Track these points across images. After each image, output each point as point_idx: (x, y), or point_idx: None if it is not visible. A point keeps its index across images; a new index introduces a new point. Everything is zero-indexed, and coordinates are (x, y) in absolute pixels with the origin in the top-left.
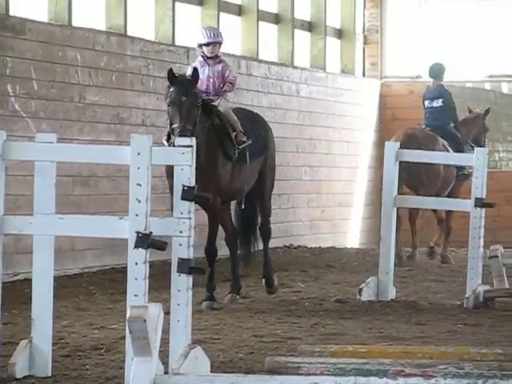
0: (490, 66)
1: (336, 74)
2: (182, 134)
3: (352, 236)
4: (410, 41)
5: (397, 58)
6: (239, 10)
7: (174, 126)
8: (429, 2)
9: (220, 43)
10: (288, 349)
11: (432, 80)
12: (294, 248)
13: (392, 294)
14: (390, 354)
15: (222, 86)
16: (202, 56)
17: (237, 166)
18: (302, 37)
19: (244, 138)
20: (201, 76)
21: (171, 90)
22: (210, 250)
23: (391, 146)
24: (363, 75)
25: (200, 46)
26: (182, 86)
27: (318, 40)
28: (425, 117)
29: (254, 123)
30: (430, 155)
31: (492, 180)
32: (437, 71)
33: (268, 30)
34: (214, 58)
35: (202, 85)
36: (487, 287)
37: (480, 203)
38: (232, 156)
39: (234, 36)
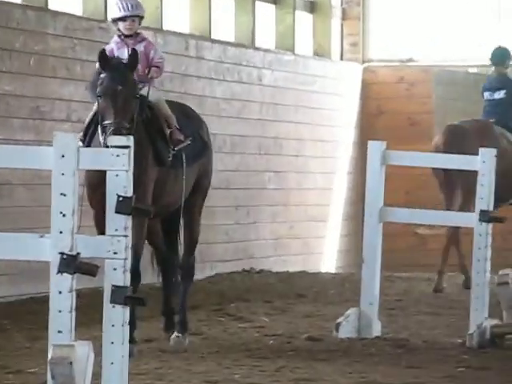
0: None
1: (307, 56)
2: (118, 133)
3: (327, 258)
4: (400, 15)
5: (383, 36)
6: None
7: (107, 122)
8: None
9: (140, 17)
10: None
11: (493, 67)
12: (256, 272)
13: (377, 329)
14: None
15: (147, 70)
16: (119, 35)
17: (171, 171)
18: (265, 10)
19: (181, 137)
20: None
21: (103, 76)
22: (135, 271)
23: (376, 146)
24: (341, 58)
25: (115, 21)
26: (118, 71)
27: (286, 14)
28: (484, 111)
29: (188, 119)
30: (426, 158)
31: None
32: (499, 56)
33: (223, 2)
34: (133, 36)
35: None
36: (495, 321)
37: (486, 217)
38: (166, 159)
39: (179, 10)
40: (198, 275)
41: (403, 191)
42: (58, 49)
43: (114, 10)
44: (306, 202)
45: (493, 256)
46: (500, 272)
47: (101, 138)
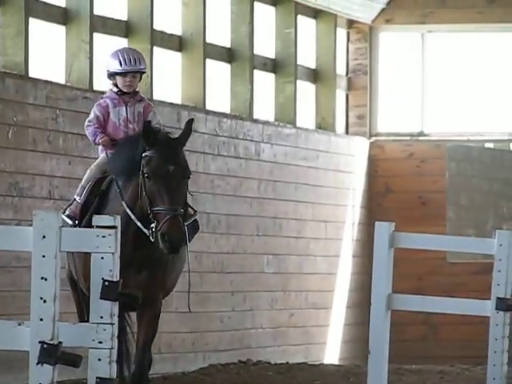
0: None
1: (310, 130)
2: (175, 221)
3: (331, 349)
4: (410, 86)
5: (392, 108)
6: (179, 44)
7: (160, 208)
8: (435, 35)
9: (142, 73)
10: None
11: None
12: (253, 364)
13: None
14: None
15: None
16: (117, 91)
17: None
18: (265, 80)
19: (191, 210)
20: (112, 118)
21: (150, 153)
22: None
23: (384, 227)
24: (346, 132)
25: (112, 75)
26: (169, 148)
27: (286, 84)
28: None
29: None
30: (438, 241)
31: None
32: None
33: (219, 71)
34: (132, 94)
35: (115, 131)
36: None
37: (503, 305)
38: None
39: (172, 78)
40: (190, 366)
41: (415, 277)
42: (38, 120)
43: (111, 62)
44: (307, 287)
45: (510, 347)
46: None
47: (147, 228)
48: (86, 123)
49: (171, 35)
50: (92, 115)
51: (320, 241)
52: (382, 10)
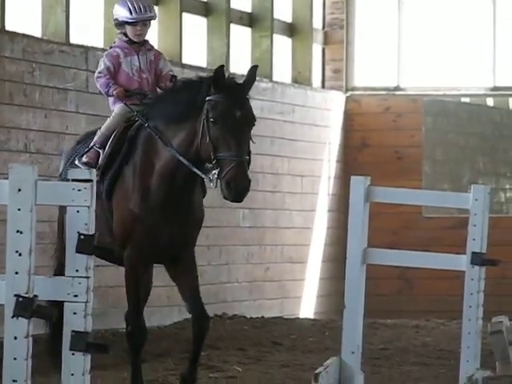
0: (492, 76)
1: (286, 84)
2: (242, 168)
3: (306, 303)
4: (387, 41)
5: (368, 63)
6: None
7: (225, 154)
8: None
9: (152, 20)
10: None
11: None
12: (229, 318)
13: (359, 381)
14: None
15: (157, 84)
16: (126, 40)
17: None
18: (241, 34)
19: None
20: (124, 68)
21: (216, 97)
22: (137, 323)
23: (359, 182)
24: (322, 86)
25: (120, 24)
26: (236, 93)
27: (262, 38)
28: None
29: None
30: (414, 195)
31: (496, 229)
32: None
33: (195, 25)
34: (142, 43)
35: (129, 82)
36: (488, 373)
37: (479, 260)
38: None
39: (149, 32)
40: (166, 320)
41: (390, 231)
42: (15, 73)
43: (120, 11)
44: (282, 241)
45: (485, 302)
46: (493, 319)
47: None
48: (96, 74)
49: None
50: (102, 66)
51: (296, 195)
52: None
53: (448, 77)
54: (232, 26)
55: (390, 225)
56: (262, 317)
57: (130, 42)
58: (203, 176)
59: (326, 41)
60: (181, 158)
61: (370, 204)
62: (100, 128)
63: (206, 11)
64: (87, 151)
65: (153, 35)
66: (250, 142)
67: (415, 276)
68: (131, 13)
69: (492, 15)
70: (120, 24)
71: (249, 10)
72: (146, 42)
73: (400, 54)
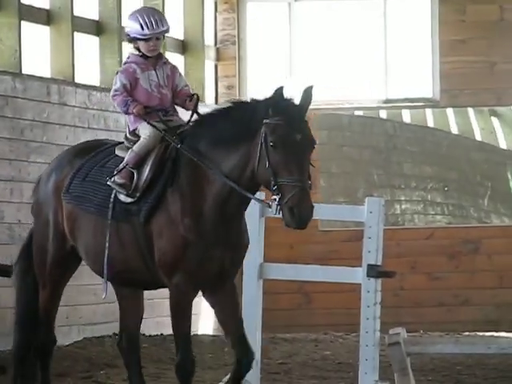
0: (385, 89)
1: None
2: (305, 194)
3: (205, 319)
4: (280, 55)
5: (261, 78)
6: (47, 18)
7: (287, 180)
8: (301, 4)
9: (166, 33)
10: None
11: None
12: None
13: None
14: None
15: (173, 101)
16: (141, 55)
17: None
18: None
19: None
20: (142, 84)
21: (275, 120)
22: (189, 354)
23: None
24: (216, 102)
25: (134, 39)
26: (294, 116)
27: None
28: None
29: None
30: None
31: (392, 241)
32: None
33: (87, 44)
34: (156, 57)
35: (148, 99)
36: None
37: (374, 272)
38: None
39: (41, 52)
40: (65, 340)
41: (287, 245)
42: None
43: (132, 25)
44: None
45: (383, 314)
46: (391, 331)
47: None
48: (112, 92)
49: (39, 9)
50: (118, 84)
51: None
52: None
53: (341, 90)
54: (124, 44)
55: (286, 239)
56: (161, 334)
57: (145, 56)
58: (260, 202)
59: (219, 57)
60: (232, 184)
61: (266, 219)
62: (132, 148)
63: (97, 30)
64: (119, 171)
65: (44, 55)
66: (310, 166)
67: (313, 290)
68: (143, 28)
69: (383, 27)
70: (132, 40)
71: None
72: (161, 54)
73: (292, 69)
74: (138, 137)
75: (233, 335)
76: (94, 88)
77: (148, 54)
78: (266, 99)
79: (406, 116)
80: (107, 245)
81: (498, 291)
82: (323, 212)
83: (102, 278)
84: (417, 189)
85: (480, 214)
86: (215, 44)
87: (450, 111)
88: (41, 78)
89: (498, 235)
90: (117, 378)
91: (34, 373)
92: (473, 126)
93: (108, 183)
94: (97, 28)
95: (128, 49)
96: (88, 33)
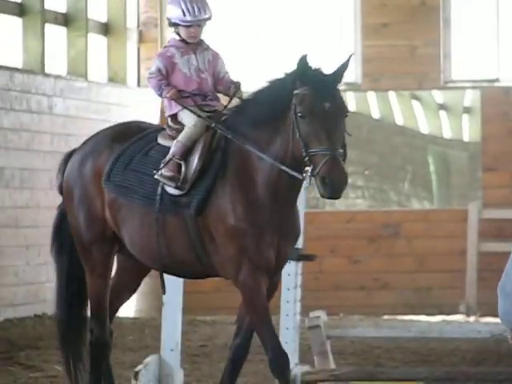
0: None
1: (102, 83)
2: (336, 162)
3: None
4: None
5: None
6: None
7: (317, 149)
8: None
9: (207, 20)
10: None
11: None
12: (49, 318)
13: (179, 378)
14: None
15: (215, 87)
16: (181, 39)
17: None
18: (56, 33)
19: None
20: (181, 68)
21: (303, 90)
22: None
23: None
24: (138, 85)
25: (174, 24)
26: (324, 85)
27: (78, 38)
28: None
29: None
30: None
31: (312, 224)
32: None
33: (9, 25)
34: (197, 43)
35: (187, 83)
36: (306, 368)
37: (295, 255)
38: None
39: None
40: None
41: None
42: None
43: (174, 11)
44: None
45: (303, 297)
46: (311, 314)
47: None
48: (148, 75)
49: None
50: (154, 67)
51: None
52: None
53: (262, 68)
54: (47, 25)
55: None
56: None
57: (185, 41)
58: (299, 176)
59: (141, 39)
60: (281, 166)
61: None
62: (178, 139)
63: (20, 12)
64: (166, 163)
65: None
66: (346, 134)
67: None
68: (185, 15)
69: (306, 12)
70: (173, 24)
71: (64, 10)
72: (202, 41)
73: (222, 48)
74: (181, 124)
75: (247, 325)
76: (16, 70)
77: (188, 41)
78: (293, 71)
79: None
80: (156, 238)
81: (418, 275)
82: None
83: (151, 268)
84: None
85: (400, 198)
86: (138, 26)
87: (371, 95)
88: None
89: (418, 219)
90: (37, 360)
91: (81, 352)
92: (394, 110)
93: (156, 177)
94: (19, 9)
95: (50, 31)
96: (11, 14)
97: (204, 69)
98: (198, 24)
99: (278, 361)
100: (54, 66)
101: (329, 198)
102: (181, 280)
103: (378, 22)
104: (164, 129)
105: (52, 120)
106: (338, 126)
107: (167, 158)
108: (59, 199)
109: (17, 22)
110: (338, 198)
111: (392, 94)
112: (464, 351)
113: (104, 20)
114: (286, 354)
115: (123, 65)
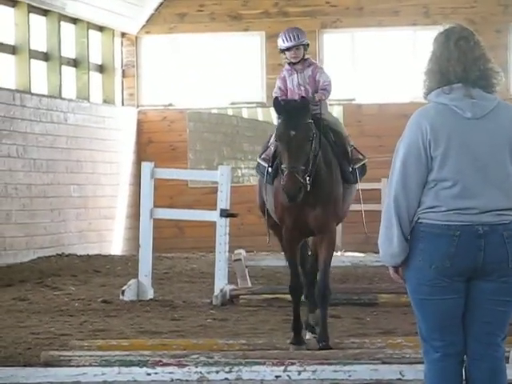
0: (232, 94)
1: (99, 104)
2: (292, 176)
3: (116, 244)
4: (164, 73)
5: (152, 88)
6: (13, 50)
7: (283, 166)
8: (178, 40)
9: (304, 45)
10: (61, 344)
11: None
12: (65, 256)
13: (151, 294)
14: (149, 347)
15: (315, 93)
16: (289, 63)
17: (349, 187)
18: (69, 72)
19: (360, 156)
20: (289, 85)
21: (279, 121)
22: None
23: (147, 166)
24: (122, 104)
25: (282, 51)
26: (290, 117)
27: (83, 75)
28: None
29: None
30: (181, 173)
31: (235, 193)
32: None
33: (39, 67)
34: (301, 62)
35: (292, 95)
36: (232, 286)
37: (224, 213)
38: (350, 177)
39: (8, 72)
40: (25, 259)
41: (168, 197)
42: None
43: (279, 42)
44: (99, 205)
45: (230, 241)
46: (235, 251)
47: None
48: (273, 94)
49: (7, 44)
50: (276, 87)
51: (107, 175)
52: (143, 26)
53: (202, 97)
54: (63, 67)
55: (167, 193)
56: (88, 254)
57: (292, 62)
58: (303, 181)
59: (124, 75)
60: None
61: (155, 180)
62: None
63: (46, 57)
64: (265, 150)
65: (11, 75)
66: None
67: (185, 225)
68: (284, 41)
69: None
70: (281, 51)
71: (73, 56)
72: (306, 60)
73: (173, 83)
74: None
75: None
76: (43, 95)
77: (292, 61)
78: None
79: (245, 113)
80: (266, 199)
81: None
82: (191, 175)
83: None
84: (251, 160)
85: None
86: (122, 66)
87: (272, 110)
88: (8, 90)
89: None
90: (59, 283)
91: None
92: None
93: (257, 160)
94: (45, 56)
95: (67, 71)
96: (39, 59)
97: (303, 83)
98: (296, 47)
99: (325, 291)
100: (67, 92)
101: (288, 202)
102: (151, 230)
103: (277, 62)
104: None
105: (67, 128)
106: (299, 148)
107: (267, 146)
108: (73, 179)
109: (42, 64)
110: (292, 202)
111: None
112: (333, 274)
113: (99, 62)
114: (330, 289)
115: (112, 91)
